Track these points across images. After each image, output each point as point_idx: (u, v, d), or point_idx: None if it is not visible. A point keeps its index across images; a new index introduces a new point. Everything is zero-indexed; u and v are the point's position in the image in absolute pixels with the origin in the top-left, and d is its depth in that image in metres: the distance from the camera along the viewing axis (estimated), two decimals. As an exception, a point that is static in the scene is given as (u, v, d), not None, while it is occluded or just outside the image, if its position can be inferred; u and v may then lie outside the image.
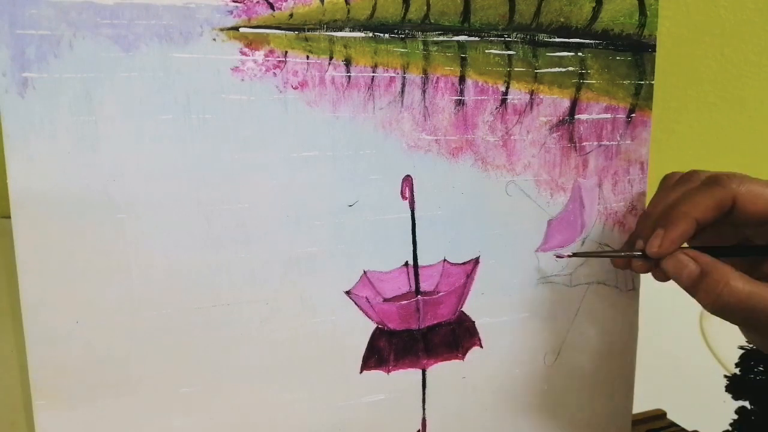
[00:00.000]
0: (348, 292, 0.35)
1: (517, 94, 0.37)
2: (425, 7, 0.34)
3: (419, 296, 0.37)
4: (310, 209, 0.33)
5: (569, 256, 0.38)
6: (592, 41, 0.38)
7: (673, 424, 0.52)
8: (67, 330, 0.30)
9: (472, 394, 0.39)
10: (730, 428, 0.40)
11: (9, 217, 0.28)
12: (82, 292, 0.30)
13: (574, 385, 0.42)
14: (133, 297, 0.31)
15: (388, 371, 0.37)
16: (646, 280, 0.37)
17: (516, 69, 0.36)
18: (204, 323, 0.32)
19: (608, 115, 0.39)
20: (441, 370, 0.38)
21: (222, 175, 0.31)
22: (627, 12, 0.38)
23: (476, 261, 0.38)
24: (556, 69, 0.37)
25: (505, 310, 0.39)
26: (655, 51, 0.40)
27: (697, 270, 0.32)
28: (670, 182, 0.37)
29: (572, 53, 0.38)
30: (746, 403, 0.39)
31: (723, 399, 0.40)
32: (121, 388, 0.31)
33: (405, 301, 0.36)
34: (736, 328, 0.34)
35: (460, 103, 0.36)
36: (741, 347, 0.39)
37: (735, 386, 0.39)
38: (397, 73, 0.34)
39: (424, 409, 0.38)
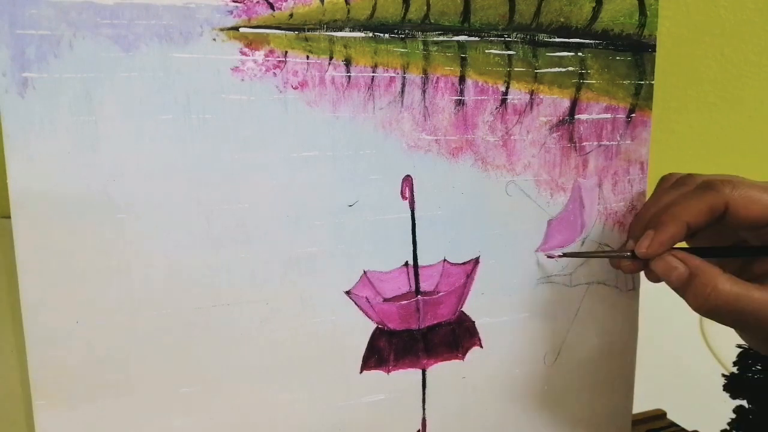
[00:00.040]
0: (348, 292, 0.35)
1: (517, 94, 0.37)
2: (425, 7, 0.34)
3: (419, 296, 0.37)
4: (310, 209, 0.33)
5: (559, 256, 0.38)
6: (592, 41, 0.38)
7: (673, 424, 0.52)
8: (67, 330, 0.30)
9: (472, 394, 0.39)
10: (728, 427, 0.40)
11: (9, 217, 0.28)
12: (82, 292, 0.30)
13: (574, 385, 0.42)
14: (133, 297, 0.31)
15: (388, 371, 0.37)
16: (647, 280, 0.37)
17: (516, 69, 0.36)
18: (204, 323, 0.32)
19: (608, 115, 0.39)
20: (441, 370, 0.38)
21: (222, 175, 0.31)
22: (627, 12, 0.38)
23: (476, 261, 0.38)
24: (556, 69, 0.37)
25: (505, 310, 0.39)
26: (655, 51, 0.40)
27: (686, 272, 0.32)
28: (666, 184, 0.37)
29: (572, 53, 0.38)
30: (744, 402, 0.39)
31: (723, 399, 0.40)
32: (121, 388, 0.31)
33: (405, 301, 0.36)
34: (736, 328, 0.34)
35: (460, 103, 0.36)
36: (739, 346, 0.39)
37: (733, 385, 0.39)
38: (397, 73, 0.34)
39: (424, 409, 0.38)
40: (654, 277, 0.35)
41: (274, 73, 0.32)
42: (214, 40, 0.30)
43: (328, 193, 0.34)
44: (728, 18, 0.84)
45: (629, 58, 0.39)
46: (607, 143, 0.40)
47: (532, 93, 0.37)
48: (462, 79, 0.35)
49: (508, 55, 0.36)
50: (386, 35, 0.33)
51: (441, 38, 0.35)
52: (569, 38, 0.38)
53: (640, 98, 0.40)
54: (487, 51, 0.36)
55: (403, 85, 0.34)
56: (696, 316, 0.71)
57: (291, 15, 0.32)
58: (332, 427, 0.36)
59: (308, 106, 0.32)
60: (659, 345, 0.64)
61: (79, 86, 0.28)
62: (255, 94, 0.31)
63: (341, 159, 0.34)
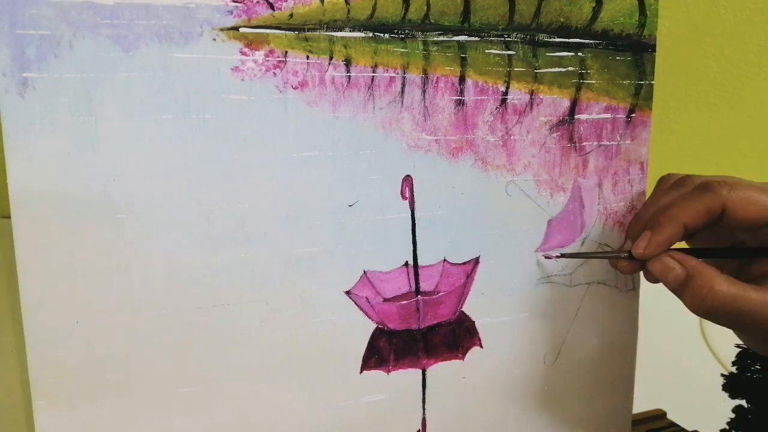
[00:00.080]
0: (348, 292, 0.35)
1: (517, 94, 0.37)
2: (425, 7, 0.34)
3: (419, 296, 0.37)
4: (310, 209, 0.33)
5: (557, 257, 0.38)
6: (592, 41, 0.38)
7: (673, 424, 0.52)
8: (67, 330, 0.30)
9: (472, 394, 0.39)
10: (727, 427, 0.40)
11: (9, 217, 0.28)
12: (82, 292, 0.30)
13: (574, 385, 0.42)
14: (133, 297, 0.31)
15: (388, 371, 0.37)
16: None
17: (516, 69, 0.36)
18: (204, 323, 0.32)
19: (608, 115, 0.39)
20: (441, 370, 0.38)
21: (222, 175, 0.31)
22: (627, 12, 0.39)
23: (476, 261, 0.38)
24: (556, 69, 0.37)
25: (505, 310, 0.39)
26: (655, 51, 0.40)
27: (682, 273, 0.33)
28: (665, 185, 0.37)
29: (572, 53, 0.38)
30: (743, 402, 0.39)
31: (723, 399, 0.40)
32: (121, 388, 0.31)
33: (405, 301, 0.36)
34: (736, 328, 0.34)
35: (460, 103, 0.36)
36: (738, 346, 0.39)
37: (732, 385, 0.40)
38: (397, 73, 0.34)
39: (424, 409, 0.38)
40: (652, 278, 0.35)
41: (274, 73, 0.32)
42: (214, 40, 0.30)
43: (328, 193, 0.34)
44: (728, 18, 0.84)
45: (629, 58, 0.39)
46: (607, 143, 0.40)
47: (532, 93, 0.37)
48: (462, 79, 0.35)
49: (508, 55, 0.36)
50: (386, 35, 0.33)
51: (441, 38, 0.35)
52: (569, 38, 0.38)
53: (640, 98, 0.40)
54: (487, 51, 0.36)
55: (403, 85, 0.34)
56: (696, 316, 0.71)
57: (291, 15, 0.32)
58: (332, 427, 0.36)
59: (308, 106, 0.32)
60: (659, 345, 0.64)
61: (79, 86, 0.28)
62: (255, 94, 0.31)
63: (341, 159, 0.34)
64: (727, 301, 0.31)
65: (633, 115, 0.40)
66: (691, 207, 0.33)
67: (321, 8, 0.32)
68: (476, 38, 0.35)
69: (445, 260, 0.37)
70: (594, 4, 0.38)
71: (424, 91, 0.35)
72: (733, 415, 0.40)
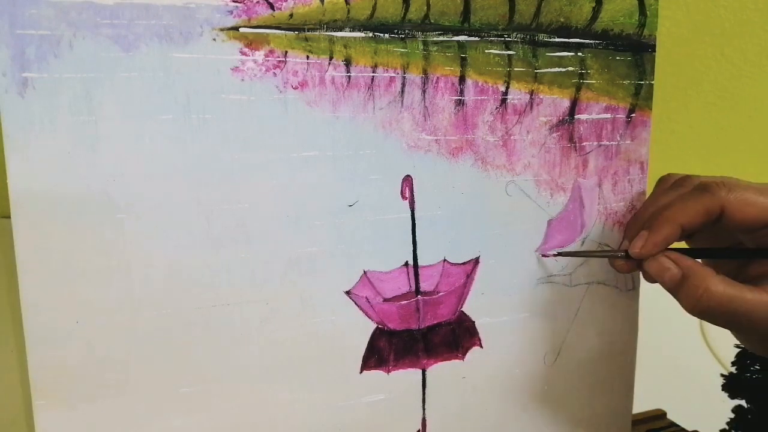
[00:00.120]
0: (348, 292, 0.35)
1: (517, 94, 0.37)
2: (425, 7, 0.34)
3: (419, 296, 0.37)
4: (310, 209, 0.33)
5: (554, 255, 0.38)
6: (592, 41, 0.38)
7: (673, 424, 0.52)
8: (67, 330, 0.30)
9: (472, 394, 0.39)
10: (727, 427, 0.40)
11: (9, 217, 0.28)
12: (82, 292, 0.30)
13: (574, 385, 0.42)
14: (133, 297, 0.31)
15: (388, 371, 0.37)
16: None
17: (516, 69, 0.36)
18: (204, 323, 0.32)
19: (608, 115, 0.39)
20: (441, 370, 0.38)
21: (222, 175, 0.31)
22: (627, 12, 0.38)
23: (476, 261, 0.38)
24: (556, 69, 0.37)
25: (505, 310, 0.39)
26: (655, 51, 0.40)
27: (678, 273, 0.33)
28: (664, 185, 0.37)
29: (572, 53, 0.38)
30: (743, 402, 0.39)
31: (723, 399, 0.40)
32: (121, 388, 0.31)
33: (405, 301, 0.36)
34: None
35: (460, 103, 0.36)
36: (737, 346, 0.39)
37: (731, 385, 0.40)
38: (397, 73, 0.34)
39: (424, 409, 0.38)
40: (650, 278, 0.35)
41: (274, 73, 0.32)
42: (214, 40, 0.30)
43: (328, 193, 0.34)
44: (728, 18, 0.84)
45: (629, 58, 0.39)
46: (607, 143, 0.40)
47: (532, 93, 0.37)
48: (462, 79, 0.35)
49: (508, 55, 0.36)
50: (386, 35, 0.33)
51: (441, 38, 0.35)
52: (569, 38, 0.38)
53: (640, 98, 0.40)
54: (487, 51, 0.36)
55: (403, 85, 0.34)
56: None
57: (291, 15, 0.32)
58: (332, 427, 0.36)
59: (308, 106, 0.32)
60: (659, 345, 0.64)
61: (79, 86, 0.28)
62: (255, 94, 0.31)
63: (341, 159, 0.34)
64: (722, 301, 0.31)
65: (633, 115, 0.40)
66: (689, 208, 0.33)
67: (321, 8, 0.32)
68: (476, 38, 0.35)
69: (445, 260, 0.37)
70: (594, 4, 0.38)
71: (424, 91, 0.35)
72: (732, 415, 0.40)
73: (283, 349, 0.34)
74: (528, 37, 0.36)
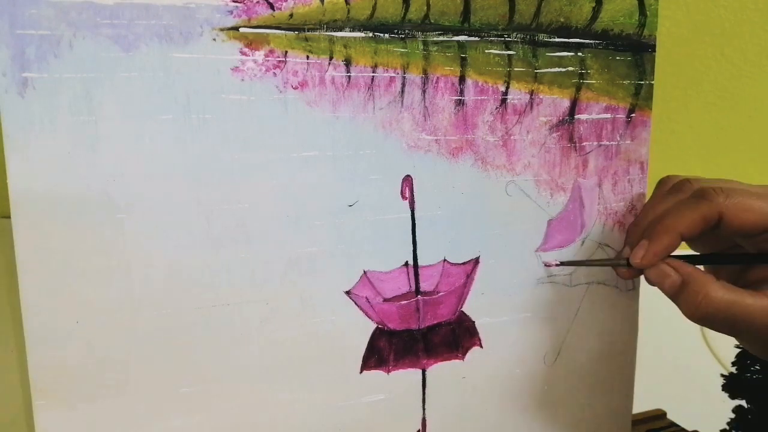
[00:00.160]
0: (348, 292, 0.35)
1: (517, 94, 0.37)
2: (425, 7, 0.34)
3: (419, 296, 0.37)
4: (310, 209, 0.33)
5: (557, 265, 0.39)
6: (592, 41, 0.38)
7: (673, 424, 0.52)
8: (67, 330, 0.30)
9: (472, 394, 0.39)
10: (727, 427, 0.40)
11: (9, 217, 0.28)
12: (82, 292, 0.30)
13: (574, 385, 0.42)
14: (133, 297, 0.31)
15: (388, 371, 0.37)
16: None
17: (516, 69, 0.36)
18: (204, 323, 0.32)
19: (608, 115, 0.39)
20: (441, 370, 0.38)
21: (222, 175, 0.31)
22: (627, 12, 0.38)
23: (476, 261, 0.38)
24: (556, 69, 0.37)
25: (505, 310, 0.39)
26: (655, 51, 0.40)
27: (678, 280, 0.33)
28: (664, 188, 0.37)
29: (572, 53, 0.38)
30: (743, 402, 0.39)
31: (723, 399, 0.40)
32: (121, 388, 0.31)
33: (405, 301, 0.36)
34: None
35: (460, 103, 0.36)
36: (737, 346, 0.39)
37: (731, 385, 0.40)
38: (397, 73, 0.34)
39: (424, 409, 0.38)
40: (651, 282, 0.35)
41: (274, 73, 0.32)
42: (214, 40, 0.30)
43: (328, 193, 0.34)
44: (728, 18, 0.84)
45: (629, 58, 0.39)
46: (607, 143, 0.40)
47: (532, 93, 0.37)
48: (462, 79, 0.35)
49: (508, 55, 0.36)
50: (386, 35, 0.33)
51: (441, 38, 0.35)
52: (569, 38, 0.38)
53: (640, 98, 0.40)
54: (487, 51, 0.36)
55: (403, 85, 0.34)
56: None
57: (291, 15, 0.32)
58: (332, 427, 0.36)
59: (308, 106, 0.32)
60: (659, 345, 0.64)
61: (79, 86, 0.28)
62: (255, 94, 0.31)
63: (341, 159, 0.34)
64: (721, 307, 0.31)
65: (633, 115, 0.40)
66: (688, 216, 0.33)
67: (321, 8, 0.32)
68: (476, 38, 0.35)
69: (445, 260, 0.37)
70: (594, 4, 0.38)
71: (424, 91, 0.35)
72: (733, 415, 0.40)
73: (283, 349, 0.34)
74: (528, 37, 0.36)
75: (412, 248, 0.36)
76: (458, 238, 0.37)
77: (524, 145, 0.37)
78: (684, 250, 0.36)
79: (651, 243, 0.34)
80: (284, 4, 0.31)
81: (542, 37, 0.37)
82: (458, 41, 0.35)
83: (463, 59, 0.35)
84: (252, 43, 0.31)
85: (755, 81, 0.87)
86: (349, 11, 0.33)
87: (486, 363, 0.39)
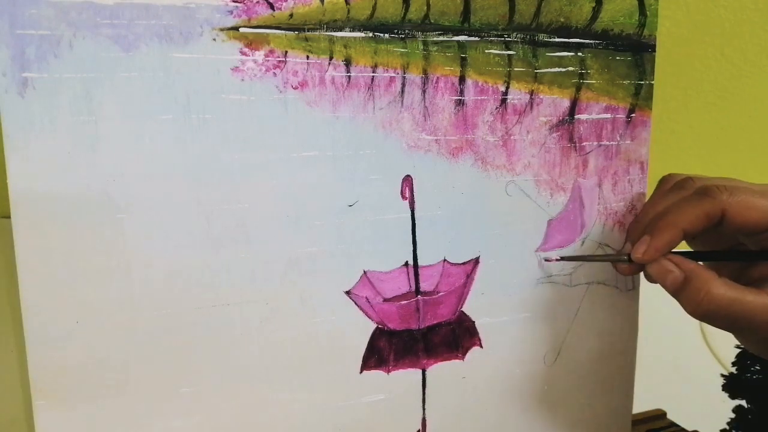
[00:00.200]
0: (348, 292, 0.35)
1: (517, 94, 0.37)
2: (425, 7, 0.34)
3: (419, 296, 0.37)
4: (310, 209, 0.33)
5: (556, 260, 0.39)
6: (592, 41, 0.38)
7: (673, 424, 0.52)
8: (67, 330, 0.30)
9: (472, 394, 0.39)
10: (727, 427, 0.40)
11: (9, 217, 0.28)
12: (82, 292, 0.30)
13: (574, 385, 0.42)
14: (133, 297, 0.31)
15: (388, 371, 0.37)
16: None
17: (516, 69, 0.36)
18: (204, 323, 0.32)
19: (608, 115, 0.39)
20: (441, 370, 0.38)
21: (222, 175, 0.31)
22: (627, 12, 0.38)
23: (476, 261, 0.38)
24: (556, 69, 0.37)
25: (505, 310, 0.39)
26: (655, 51, 0.40)
27: (680, 276, 0.33)
28: (666, 186, 0.37)
29: (572, 53, 0.38)
30: (743, 402, 0.39)
31: (723, 399, 0.40)
32: (121, 389, 0.31)
33: (405, 301, 0.36)
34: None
35: (460, 103, 0.36)
36: (738, 346, 0.39)
37: (731, 385, 0.40)
38: (397, 73, 0.34)
39: (424, 409, 0.38)
40: (652, 279, 0.35)
41: (274, 73, 0.32)
42: (214, 40, 0.30)
43: (328, 193, 0.34)
44: (728, 18, 0.84)
45: (629, 58, 0.39)
46: (607, 143, 0.40)
47: (532, 93, 0.37)
48: (462, 79, 0.35)
49: (508, 55, 0.36)
50: (386, 35, 0.33)
51: (441, 38, 0.35)
52: (569, 38, 0.38)
53: (640, 98, 0.40)
54: (487, 51, 0.36)
55: (403, 85, 0.34)
56: (696, 316, 0.71)
57: (291, 15, 0.32)
58: (332, 427, 0.36)
59: (308, 106, 0.32)
60: (659, 345, 0.64)
61: (79, 86, 0.28)
62: (255, 94, 0.31)
63: (341, 159, 0.34)
64: (723, 304, 0.31)
65: (633, 115, 0.40)
66: (690, 212, 0.33)
67: (321, 8, 0.32)
68: (476, 38, 0.35)
69: (445, 260, 0.37)
70: (594, 4, 0.38)
71: (424, 91, 0.35)
72: (733, 415, 0.40)
73: (283, 349, 0.34)
74: (528, 37, 0.36)
75: (412, 248, 0.36)
76: (458, 238, 0.37)
77: (524, 145, 0.38)
78: (684, 249, 0.36)
79: (653, 238, 0.33)
80: (284, 4, 0.31)
81: (542, 37, 0.37)
82: (458, 41, 0.35)
83: (463, 59, 0.35)
84: (252, 43, 0.31)
85: (755, 81, 0.87)
86: (349, 11, 0.33)
87: (486, 363, 0.39)
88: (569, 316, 0.41)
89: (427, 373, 0.38)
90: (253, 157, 0.32)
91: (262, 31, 0.31)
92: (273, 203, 0.33)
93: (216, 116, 0.31)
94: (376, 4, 0.33)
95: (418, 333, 0.37)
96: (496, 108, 0.36)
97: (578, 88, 0.38)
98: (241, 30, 0.31)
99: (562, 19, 0.37)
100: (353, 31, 0.33)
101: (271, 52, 0.31)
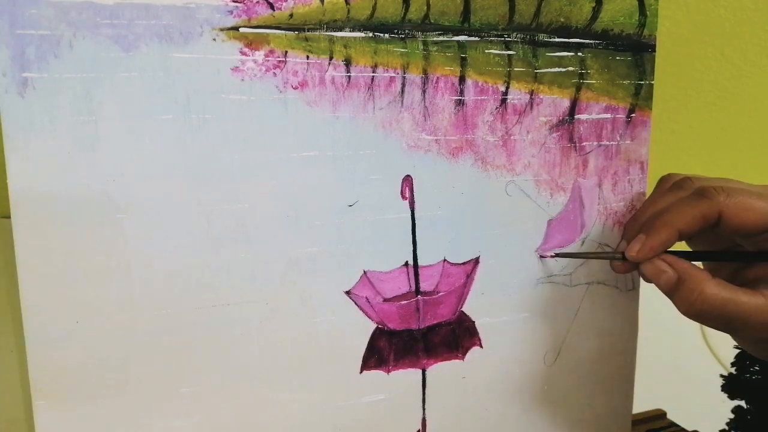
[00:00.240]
0: (348, 292, 0.35)
1: (517, 94, 0.37)
2: (425, 7, 0.34)
3: (419, 296, 0.37)
4: (310, 209, 0.33)
5: (552, 256, 0.39)
6: (592, 41, 0.38)
7: (673, 424, 0.52)
8: (67, 330, 0.30)
9: (472, 394, 0.39)
10: (726, 427, 0.40)
11: (9, 217, 0.28)
12: (82, 292, 0.30)
13: (574, 385, 0.42)
14: (133, 297, 0.31)
15: (388, 371, 0.37)
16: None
17: (516, 69, 0.36)
18: (204, 323, 0.32)
19: (608, 115, 0.39)
20: (441, 370, 0.38)
21: (222, 175, 0.31)
22: (627, 12, 0.38)
23: (476, 261, 0.38)
24: (556, 69, 0.37)
25: (505, 310, 0.39)
26: (655, 51, 0.40)
27: (674, 276, 0.33)
28: (665, 185, 0.37)
29: (572, 53, 0.38)
30: (742, 403, 0.39)
31: (723, 399, 0.40)
32: (121, 389, 0.31)
33: (405, 301, 0.36)
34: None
35: (460, 103, 0.36)
36: (737, 347, 0.39)
37: (731, 386, 0.40)
38: (397, 73, 0.34)
39: (424, 409, 0.38)
40: (647, 278, 0.35)
41: (274, 73, 0.32)
42: (214, 40, 0.30)
43: (328, 193, 0.34)
44: (728, 18, 0.84)
45: (629, 58, 0.39)
46: (607, 143, 0.40)
47: (532, 93, 0.37)
48: (462, 79, 0.35)
49: (508, 55, 0.36)
50: (386, 35, 0.33)
51: (441, 38, 0.35)
52: (569, 38, 0.38)
53: (640, 98, 0.40)
54: (487, 51, 0.36)
55: (403, 85, 0.34)
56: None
57: (291, 15, 0.32)
58: (332, 427, 0.36)
59: (308, 106, 0.32)
60: (659, 345, 0.64)
61: (79, 86, 0.28)
62: (255, 94, 0.31)
63: (341, 159, 0.34)
64: (716, 304, 0.31)
65: (633, 115, 0.40)
66: (687, 213, 0.33)
67: (321, 8, 0.32)
68: (476, 38, 0.35)
69: (445, 260, 0.37)
70: (594, 4, 0.38)
71: (424, 91, 0.35)
72: (732, 416, 0.40)
73: (283, 349, 0.34)
74: (528, 37, 0.36)
75: (412, 248, 0.36)
76: (458, 238, 0.37)
77: (524, 145, 0.38)
78: (683, 249, 0.36)
79: (648, 237, 0.34)
80: (284, 4, 0.31)
81: (542, 37, 0.37)
82: (458, 41, 0.35)
83: (463, 59, 0.35)
84: (252, 43, 0.31)
85: (755, 81, 0.87)
86: (349, 11, 0.33)
87: (486, 363, 0.39)
88: (569, 316, 0.41)
89: (427, 373, 0.38)
90: (253, 157, 0.32)
91: (262, 31, 0.31)
92: (273, 203, 0.33)
93: (216, 116, 0.31)
94: (376, 4, 0.33)
95: (418, 333, 0.37)
96: (496, 108, 0.36)
97: (578, 88, 0.38)
98: (241, 30, 0.31)
99: (562, 19, 0.37)
100: (353, 31, 0.33)
101: (271, 52, 0.31)
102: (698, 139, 0.89)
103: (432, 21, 0.34)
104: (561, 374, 0.41)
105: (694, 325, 0.71)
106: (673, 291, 0.33)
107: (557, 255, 0.39)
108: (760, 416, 0.38)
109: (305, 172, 0.33)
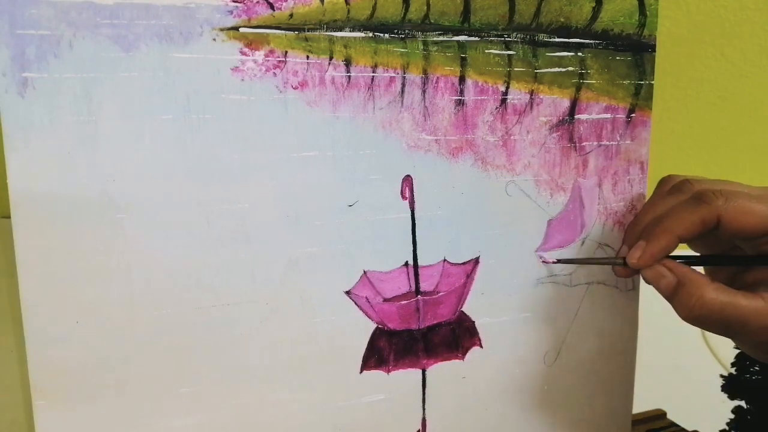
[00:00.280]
0: (348, 292, 0.35)
1: (517, 94, 0.37)
2: (425, 7, 0.34)
3: (419, 296, 0.37)
4: (310, 209, 0.33)
5: (553, 262, 0.39)
6: (592, 41, 0.38)
7: (673, 424, 0.52)
8: (67, 330, 0.30)
9: (472, 394, 0.39)
10: (726, 428, 0.40)
11: (9, 217, 0.28)
12: (82, 292, 0.30)
13: (574, 385, 0.42)
14: (133, 297, 0.31)
15: (388, 371, 0.37)
16: (646, 280, 0.38)
17: (516, 69, 0.36)
18: (204, 323, 0.32)
19: (608, 115, 0.39)
20: (441, 370, 0.38)
21: (222, 175, 0.31)
22: (627, 12, 0.38)
23: (476, 261, 0.38)
24: (556, 69, 0.37)
25: (505, 310, 0.39)
26: (655, 51, 0.40)
27: (674, 281, 0.33)
28: (664, 187, 0.37)
29: (572, 53, 0.38)
30: (742, 403, 0.39)
31: (723, 399, 0.40)
32: (121, 389, 0.31)
33: (405, 301, 0.36)
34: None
35: (460, 103, 0.36)
36: (737, 347, 0.39)
37: (731, 386, 0.40)
38: (397, 73, 0.34)
39: (424, 409, 0.38)
40: (648, 281, 0.35)
41: (274, 73, 0.32)
42: (214, 40, 0.30)
43: (328, 193, 0.34)
44: (728, 18, 0.84)
45: (629, 58, 0.39)
46: (607, 143, 0.40)
47: (532, 93, 0.37)
48: (462, 79, 0.35)
49: (508, 55, 0.36)
50: (386, 35, 0.33)
51: (441, 38, 0.35)
52: (569, 38, 0.38)
53: (640, 98, 0.40)
54: (487, 51, 0.36)
55: (403, 85, 0.34)
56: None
57: (291, 15, 0.32)
58: (332, 427, 0.36)
59: (308, 106, 0.32)
60: (659, 345, 0.64)
61: (79, 86, 0.28)
62: (255, 94, 0.31)
63: (341, 159, 0.34)
64: (715, 309, 0.31)
65: (633, 115, 0.40)
66: (686, 219, 0.33)
67: (321, 8, 0.32)
68: (476, 38, 0.35)
69: (445, 260, 0.37)
70: (594, 4, 0.38)
71: (424, 91, 0.35)
72: (732, 416, 0.40)
73: (283, 349, 0.34)
74: (528, 37, 0.36)
75: (412, 248, 0.36)
76: (458, 238, 0.37)
77: (524, 145, 0.38)
78: (683, 249, 0.36)
79: (648, 244, 0.34)
80: (284, 4, 0.31)
81: (542, 37, 0.37)
82: (458, 41, 0.35)
83: (463, 59, 0.35)
84: (252, 43, 0.31)
85: (755, 81, 0.87)
86: (349, 11, 0.33)
87: (486, 363, 0.39)
88: (569, 316, 0.41)
89: (427, 373, 0.38)
90: (253, 157, 0.32)
91: (262, 31, 0.31)
92: (273, 203, 0.33)
93: (216, 116, 0.31)
94: (376, 4, 0.33)
95: (418, 333, 0.37)
96: (496, 108, 0.36)
97: (578, 88, 0.38)
98: (241, 30, 0.31)
99: (562, 19, 0.37)
100: (353, 31, 0.33)
101: (271, 52, 0.31)
102: (698, 139, 0.89)
103: (432, 21, 0.34)
104: (561, 374, 0.41)
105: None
106: (672, 295, 0.33)
107: (559, 261, 0.39)
108: (760, 416, 0.38)
109: (305, 172, 0.33)
